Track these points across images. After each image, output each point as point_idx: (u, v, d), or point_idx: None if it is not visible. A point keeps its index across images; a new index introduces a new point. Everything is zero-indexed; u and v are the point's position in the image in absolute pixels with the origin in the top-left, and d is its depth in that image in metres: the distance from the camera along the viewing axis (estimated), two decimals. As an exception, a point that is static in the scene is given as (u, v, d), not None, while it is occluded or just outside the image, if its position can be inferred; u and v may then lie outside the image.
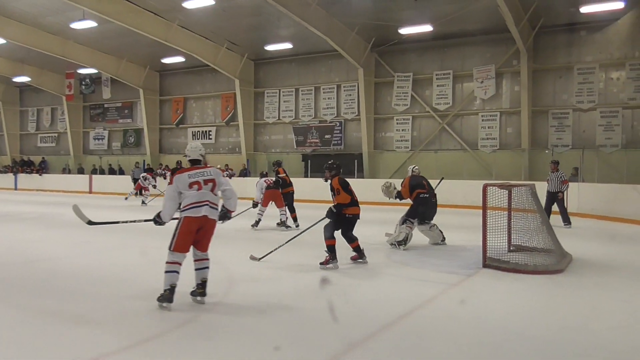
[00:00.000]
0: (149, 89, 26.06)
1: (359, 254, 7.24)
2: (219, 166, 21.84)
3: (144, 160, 25.32)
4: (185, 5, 16.83)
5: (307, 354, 3.85)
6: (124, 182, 23.10)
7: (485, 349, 3.96)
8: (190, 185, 5.03)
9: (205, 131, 25.44)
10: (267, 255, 7.28)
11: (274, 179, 11.73)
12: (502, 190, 7.85)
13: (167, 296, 4.84)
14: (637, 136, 16.75)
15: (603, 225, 12.31)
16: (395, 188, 9.45)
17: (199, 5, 16.97)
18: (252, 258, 7.37)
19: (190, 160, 5.38)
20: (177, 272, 4.94)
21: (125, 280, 6.27)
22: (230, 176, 21.44)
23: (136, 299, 5.29)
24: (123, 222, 6.26)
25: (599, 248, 8.87)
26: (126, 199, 19.64)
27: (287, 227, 11.14)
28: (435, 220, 9.08)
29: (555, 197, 11.94)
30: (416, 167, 9.69)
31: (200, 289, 5.08)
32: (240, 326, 4.48)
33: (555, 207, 11.86)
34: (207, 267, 5.17)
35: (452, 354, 3.88)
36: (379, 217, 11.93)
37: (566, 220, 11.86)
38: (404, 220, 8.78)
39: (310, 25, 17.01)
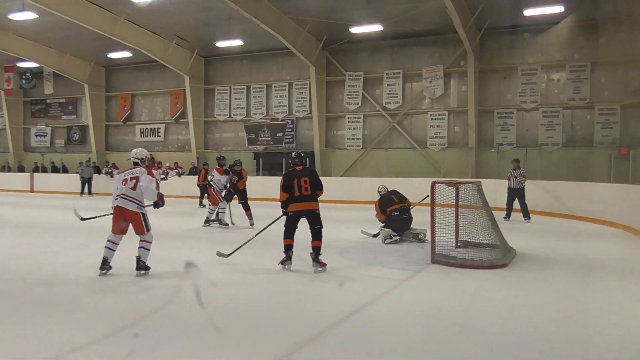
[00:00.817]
0: (95, 85, 25.18)
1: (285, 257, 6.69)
2: (167, 164, 21.43)
3: (89, 158, 24.47)
4: (133, -2, 16.39)
5: (257, 353, 3.81)
6: (68, 181, 22.28)
7: (433, 344, 4.03)
8: (122, 182, 6.40)
9: (154, 128, 24.84)
10: (235, 251, 7.12)
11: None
12: (449, 188, 8.03)
13: (101, 265, 6.19)
14: (577, 135, 17.54)
15: (545, 221, 12.81)
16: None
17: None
18: (220, 254, 7.20)
19: (133, 162, 6.64)
20: (111, 249, 6.27)
21: (75, 279, 6.03)
22: (180, 174, 21.02)
23: (83, 297, 5.10)
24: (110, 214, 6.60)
25: (542, 243, 9.22)
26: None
27: (224, 224, 11.30)
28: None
29: (517, 193, 12.72)
30: (381, 186, 10.05)
31: (137, 264, 6.28)
32: (191, 326, 4.39)
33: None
34: (141, 247, 6.31)
35: (402, 349, 3.94)
36: (333, 215, 11.96)
37: (526, 215, 12.61)
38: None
39: (261, 23, 16.89)
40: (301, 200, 6.63)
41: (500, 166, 17.04)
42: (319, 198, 6.80)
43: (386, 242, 9.07)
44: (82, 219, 7.30)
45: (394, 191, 9.66)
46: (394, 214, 9.22)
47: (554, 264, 7.26)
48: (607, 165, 14.10)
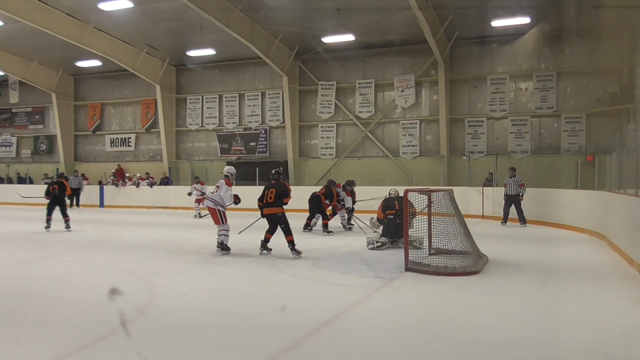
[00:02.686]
0: (63, 94, 24.72)
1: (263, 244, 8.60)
2: (138, 174, 21.14)
3: (57, 169, 23.93)
4: (101, 6, 16.21)
5: (230, 366, 3.76)
6: (34, 192, 21.68)
7: (407, 351, 4.04)
8: (215, 189, 8.84)
9: (125, 138, 24.48)
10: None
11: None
12: (422, 196, 8.12)
13: (223, 249, 8.62)
14: (544, 143, 17.95)
15: (516, 227, 13.04)
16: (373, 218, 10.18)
17: (117, 8, 16.38)
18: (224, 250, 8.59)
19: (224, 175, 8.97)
20: (226, 235, 8.71)
21: (40, 294, 5.87)
22: (151, 184, 20.74)
23: (56, 312, 4.96)
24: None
25: (512, 249, 9.37)
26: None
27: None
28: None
29: (513, 199, 13.19)
30: (393, 189, 10.34)
31: (220, 246, 8.68)
32: (159, 339, 4.31)
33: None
34: (221, 235, 8.69)
35: (375, 357, 3.93)
36: (301, 224, 11.97)
37: (522, 220, 13.10)
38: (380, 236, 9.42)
39: (233, 32, 16.87)
40: (267, 206, 8.44)
41: (471, 174, 17.33)
42: (295, 201, 8.79)
43: (369, 247, 9.11)
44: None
45: (398, 198, 9.62)
46: (389, 217, 9.38)
47: (524, 270, 7.38)
48: (574, 172, 14.44)
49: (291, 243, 8.25)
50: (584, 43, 17.26)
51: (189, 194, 16.37)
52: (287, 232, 8.27)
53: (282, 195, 8.39)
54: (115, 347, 4.16)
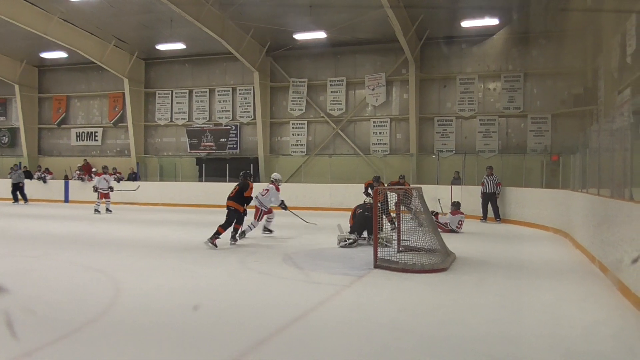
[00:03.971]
0: (26, 85, 23.99)
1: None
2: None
3: (20, 162, 23.27)
4: (68, -4, 15.76)
5: (196, 364, 3.71)
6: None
7: (374, 347, 4.07)
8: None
9: (91, 132, 23.93)
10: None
11: None
12: (391, 194, 8.17)
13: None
14: (511, 142, 18.31)
15: (483, 225, 13.28)
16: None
17: (83, -2, 15.98)
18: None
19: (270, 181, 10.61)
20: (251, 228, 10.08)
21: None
22: (119, 180, 20.34)
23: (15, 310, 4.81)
24: None
25: (479, 246, 9.53)
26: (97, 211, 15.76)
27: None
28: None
29: (490, 197, 13.74)
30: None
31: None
32: (124, 336, 4.23)
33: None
34: (249, 227, 10.04)
35: (343, 354, 3.95)
36: (277, 222, 11.93)
37: (498, 217, 13.67)
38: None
39: (204, 26, 16.65)
40: (228, 199, 9.46)
41: (440, 172, 17.55)
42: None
43: (340, 244, 9.10)
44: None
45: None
46: (358, 211, 9.42)
47: (490, 267, 7.52)
48: (540, 171, 14.77)
49: (236, 230, 9.42)
50: (550, 45, 17.66)
51: (95, 187, 15.77)
52: (240, 221, 9.50)
53: (243, 190, 9.46)
54: (78, 346, 4.06)
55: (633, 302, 5.24)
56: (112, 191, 15.95)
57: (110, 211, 15.77)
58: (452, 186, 15.86)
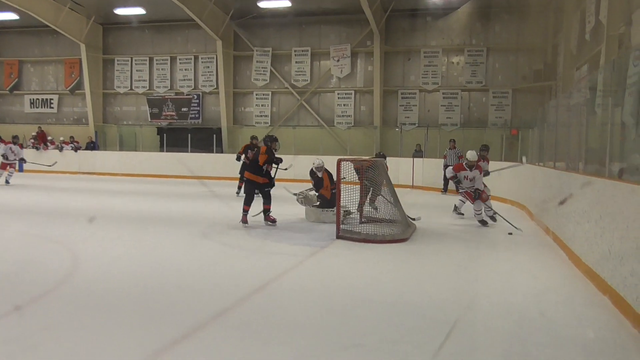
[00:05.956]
0: (-26, 49, 22.82)
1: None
2: (62, 138, 20.06)
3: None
4: (18, -45, 14.93)
5: (157, 333, 3.68)
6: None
7: (335, 317, 4.12)
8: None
9: (46, 99, 23.04)
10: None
11: None
12: (354, 165, 8.21)
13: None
14: (473, 116, 18.60)
15: (443, 198, 13.52)
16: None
17: (35, -43, 15.16)
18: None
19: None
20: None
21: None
22: (76, 149, 19.76)
23: None
24: None
25: (439, 218, 9.71)
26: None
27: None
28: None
29: None
30: (318, 160, 9.50)
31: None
32: (82, 308, 4.16)
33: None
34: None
35: (304, 322, 3.99)
36: (241, 193, 11.86)
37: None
38: None
39: (164, -9, 16.11)
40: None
41: (403, 145, 17.71)
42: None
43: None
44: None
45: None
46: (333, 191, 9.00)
47: (449, 238, 7.69)
48: (499, 145, 15.07)
49: (244, 212, 8.24)
50: (512, 20, 17.84)
51: (3, 155, 14.31)
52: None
53: (257, 158, 8.26)
54: (35, 316, 3.97)
55: (583, 271, 5.46)
56: (24, 162, 14.95)
57: (8, 182, 14.31)
58: (414, 159, 16.06)
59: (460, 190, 9.31)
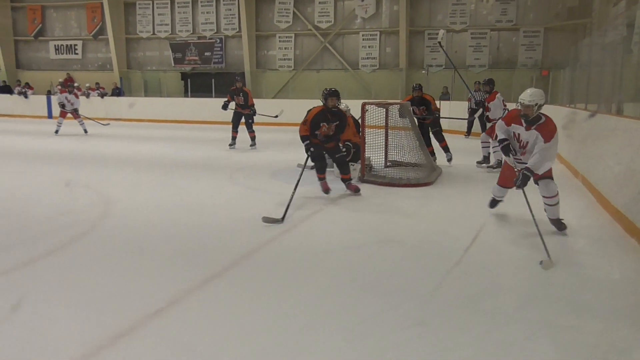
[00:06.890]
0: (-3, -6, 22.77)
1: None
2: (87, 84, 20.21)
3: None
4: None
5: (189, 271, 3.82)
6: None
7: (360, 256, 4.20)
8: None
9: (70, 45, 23.07)
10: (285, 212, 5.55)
11: None
12: (379, 109, 8.12)
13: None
14: (502, 57, 18.02)
15: (469, 141, 13.34)
16: None
17: None
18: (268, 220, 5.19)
19: None
20: None
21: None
22: (102, 95, 19.93)
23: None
24: None
25: (464, 161, 9.62)
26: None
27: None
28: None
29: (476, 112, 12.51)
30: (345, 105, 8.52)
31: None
32: (109, 254, 4.33)
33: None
34: None
35: (330, 261, 4.07)
36: (265, 138, 11.87)
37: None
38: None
39: None
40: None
41: (429, 87, 17.32)
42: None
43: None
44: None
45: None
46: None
47: (474, 182, 7.65)
48: (529, 87, 14.65)
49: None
50: (547, -46, 16.92)
51: (61, 104, 13.63)
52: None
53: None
54: (67, 260, 4.15)
55: (611, 213, 5.41)
56: (77, 113, 13.76)
57: (86, 132, 14.05)
58: (441, 101, 15.74)
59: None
